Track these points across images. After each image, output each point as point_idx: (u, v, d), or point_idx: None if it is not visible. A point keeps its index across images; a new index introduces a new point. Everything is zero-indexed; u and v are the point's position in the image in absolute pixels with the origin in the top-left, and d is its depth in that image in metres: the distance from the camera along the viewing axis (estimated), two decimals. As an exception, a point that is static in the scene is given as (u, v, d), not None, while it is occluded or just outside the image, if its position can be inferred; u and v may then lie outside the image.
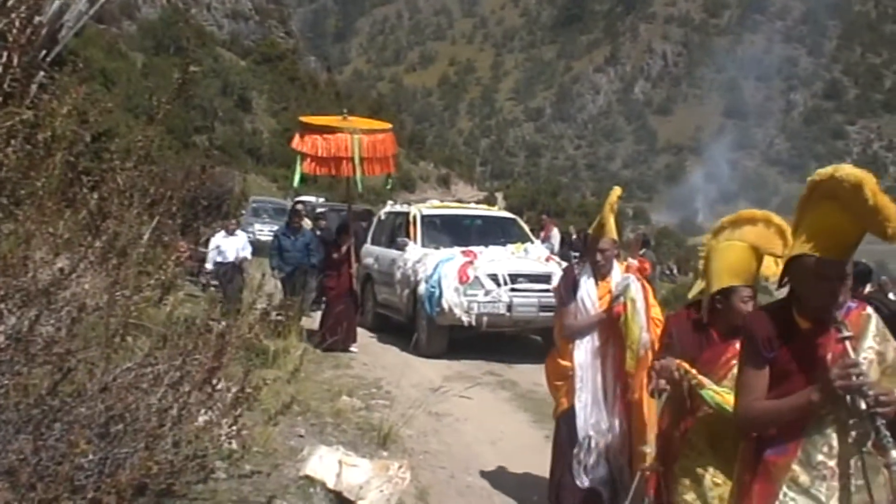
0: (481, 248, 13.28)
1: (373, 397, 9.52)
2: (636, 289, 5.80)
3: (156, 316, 3.80)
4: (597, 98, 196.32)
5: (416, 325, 12.91)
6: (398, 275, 13.63)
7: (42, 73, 5.06)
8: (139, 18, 66.66)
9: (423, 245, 13.68)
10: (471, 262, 12.66)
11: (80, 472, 3.01)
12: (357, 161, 11.72)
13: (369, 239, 15.85)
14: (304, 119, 13.17)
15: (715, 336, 4.24)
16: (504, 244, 13.65)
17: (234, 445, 4.33)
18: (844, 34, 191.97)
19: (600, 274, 5.98)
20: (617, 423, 5.93)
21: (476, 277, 12.47)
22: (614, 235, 5.92)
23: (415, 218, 14.35)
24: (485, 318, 12.26)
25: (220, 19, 79.63)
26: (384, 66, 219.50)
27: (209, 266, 13.87)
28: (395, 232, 14.84)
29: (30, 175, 3.11)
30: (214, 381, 3.65)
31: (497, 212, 16.47)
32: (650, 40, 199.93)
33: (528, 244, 14.01)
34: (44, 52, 6.15)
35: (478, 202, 31.68)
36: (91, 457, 3.01)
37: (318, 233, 15.84)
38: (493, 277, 12.51)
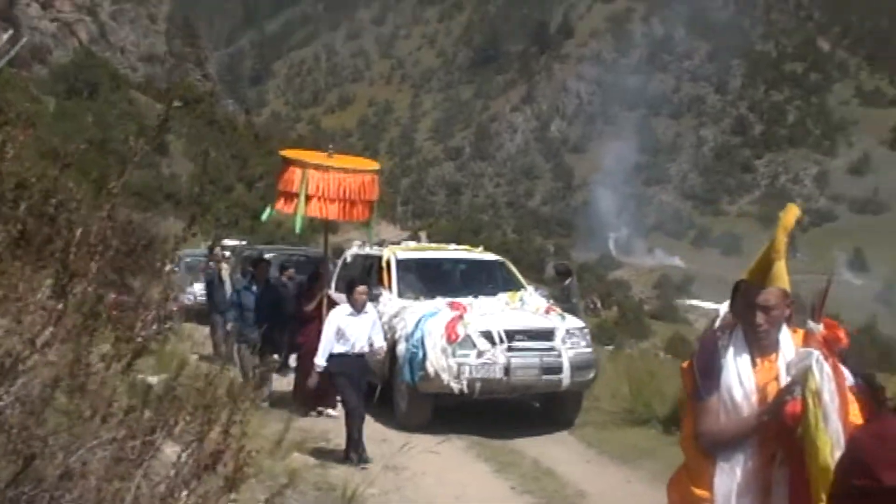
0: (470, 298, 11.32)
1: (324, 452, 9.10)
2: (823, 375, 3.31)
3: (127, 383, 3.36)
4: (514, 136, 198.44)
5: (394, 391, 10.99)
6: None
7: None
8: (51, 62, 65.17)
9: (400, 295, 11.71)
10: (460, 317, 10.66)
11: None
12: (303, 199, 10.54)
13: (332, 286, 13.13)
14: (290, 153, 11.74)
15: None
16: (494, 293, 11.77)
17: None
18: (748, 72, 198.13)
19: (760, 347, 3.46)
20: None
21: (467, 335, 10.42)
22: (786, 284, 3.41)
23: (389, 263, 12.30)
24: (478, 384, 10.20)
25: (135, 62, 78.34)
26: (302, 107, 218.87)
27: (320, 361, 9.09)
28: (365, 278, 13.05)
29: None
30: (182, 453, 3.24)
31: (482, 254, 13.91)
32: (564, 80, 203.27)
33: (522, 292, 11.93)
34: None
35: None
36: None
37: (285, 282, 14.77)
38: (487, 335, 10.48)
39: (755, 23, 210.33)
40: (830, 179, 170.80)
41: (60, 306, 2.88)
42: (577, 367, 10.52)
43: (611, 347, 29.37)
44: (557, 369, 10.39)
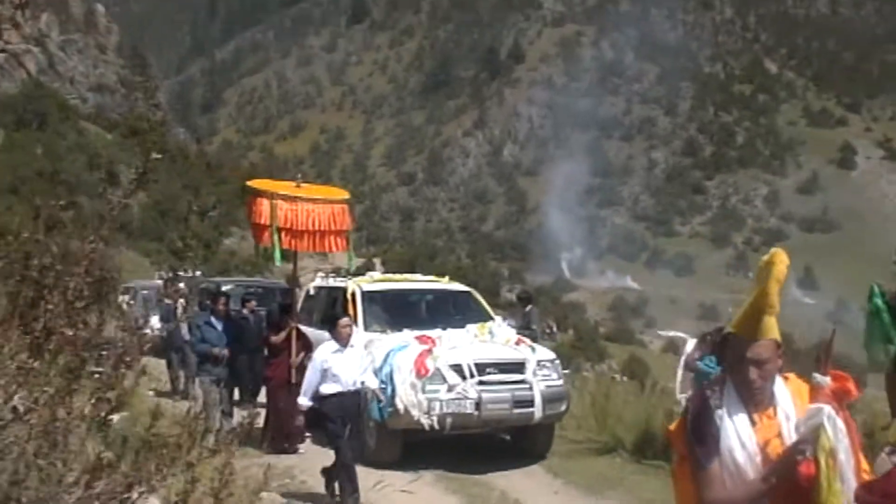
0: (438, 331, 11.00)
1: (289, 489, 8.96)
2: (837, 431, 3.08)
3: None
4: (467, 161, 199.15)
5: (362, 427, 10.52)
6: None
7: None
8: (-2, 93, 64.21)
9: (366, 328, 11.30)
10: (429, 351, 10.36)
11: None
12: (275, 230, 10.42)
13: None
14: (256, 184, 11.45)
15: None
16: (462, 324, 11.44)
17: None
18: (697, 94, 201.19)
19: (755, 403, 3.21)
20: None
21: (437, 369, 10.12)
22: (777, 335, 3.20)
23: (354, 295, 11.93)
24: (449, 420, 9.89)
25: (85, 93, 77.47)
26: (254, 135, 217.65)
27: (303, 401, 8.70)
28: (330, 311, 12.35)
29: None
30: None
31: (448, 284, 13.65)
32: (516, 104, 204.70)
33: (491, 323, 11.68)
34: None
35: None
36: None
37: (246, 314, 14.35)
38: (457, 369, 10.22)
39: (703, 45, 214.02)
40: (780, 199, 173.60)
41: (37, 364, 2.82)
42: (548, 400, 10.35)
43: (567, 371, 29.41)
44: (529, 402, 10.20)
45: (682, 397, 10.47)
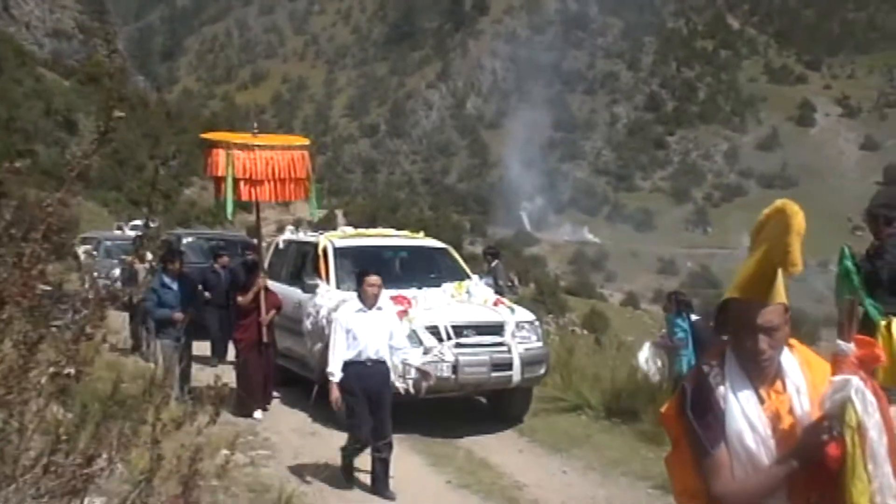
0: (414, 290, 10.53)
1: (252, 447, 8.81)
2: (866, 405, 2.64)
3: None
4: (430, 114, 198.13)
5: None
6: (307, 324, 10.69)
7: None
8: (-49, 38, 62.54)
9: (339, 285, 10.77)
10: (404, 312, 9.76)
11: None
12: (230, 181, 9.98)
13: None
14: (212, 136, 10.98)
15: None
16: (438, 283, 10.98)
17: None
18: (660, 49, 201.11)
19: (762, 377, 2.78)
20: None
21: (412, 331, 9.53)
22: (784, 298, 2.77)
23: (325, 251, 11.42)
24: (424, 384, 9.09)
25: (41, 38, 75.69)
26: (215, 84, 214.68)
27: (335, 370, 7.65)
28: (299, 267, 12.12)
29: None
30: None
31: (424, 240, 12.95)
32: (479, 56, 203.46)
33: (468, 283, 11.17)
34: None
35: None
36: None
37: (217, 269, 14.17)
38: (434, 331, 9.75)
39: (667, 0, 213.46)
40: (740, 155, 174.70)
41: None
42: (527, 363, 9.95)
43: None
44: (507, 366, 9.80)
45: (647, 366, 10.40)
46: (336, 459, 7.91)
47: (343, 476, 7.83)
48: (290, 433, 9.66)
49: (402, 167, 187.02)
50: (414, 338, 9.50)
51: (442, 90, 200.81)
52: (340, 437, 8.31)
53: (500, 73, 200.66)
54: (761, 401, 2.75)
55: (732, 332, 2.77)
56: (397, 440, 9.08)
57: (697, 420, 2.76)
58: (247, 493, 6.82)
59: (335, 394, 7.56)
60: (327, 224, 47.61)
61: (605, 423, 10.37)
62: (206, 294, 13.80)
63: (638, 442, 9.69)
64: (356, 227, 14.55)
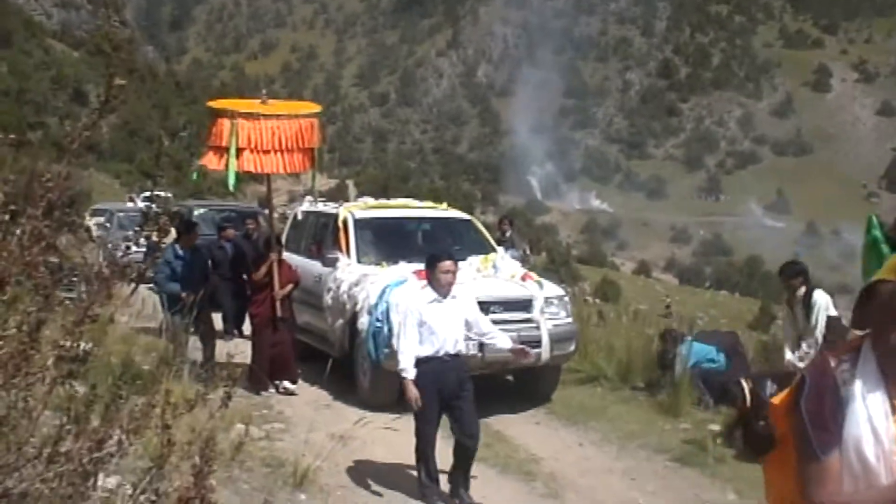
0: None
1: (266, 420, 8.76)
2: None
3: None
4: (440, 82, 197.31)
5: (355, 367, 9.97)
6: (328, 299, 10.39)
7: None
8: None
9: (359, 260, 10.46)
10: None
11: None
12: (233, 151, 9.51)
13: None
14: (218, 104, 10.41)
15: None
16: (463, 256, 10.00)
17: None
18: (674, 15, 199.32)
19: None
20: None
21: None
22: None
23: (346, 222, 10.98)
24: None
25: (49, 8, 75.51)
26: (224, 54, 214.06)
27: (408, 367, 6.80)
28: (319, 239, 11.67)
29: None
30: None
31: (447, 212, 12.37)
32: (490, 23, 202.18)
33: (494, 256, 10.70)
34: None
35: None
36: None
37: (223, 244, 13.67)
38: None
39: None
40: (754, 122, 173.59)
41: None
42: (556, 340, 9.56)
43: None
44: (536, 343, 9.26)
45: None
46: (352, 432, 7.79)
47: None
48: (305, 406, 9.57)
49: (412, 136, 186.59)
50: None
51: (452, 58, 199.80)
52: (354, 413, 8.24)
53: (510, 40, 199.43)
54: (894, 410, 2.34)
55: (878, 323, 2.36)
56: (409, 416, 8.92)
57: (811, 418, 2.37)
58: (262, 467, 6.76)
59: (413, 392, 6.74)
60: (338, 195, 47.48)
61: (622, 395, 10.28)
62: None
63: (655, 414, 9.61)
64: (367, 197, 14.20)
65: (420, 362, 6.76)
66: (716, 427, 8.78)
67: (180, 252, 10.61)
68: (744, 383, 8.38)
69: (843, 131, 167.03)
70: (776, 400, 2.58)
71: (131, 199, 30.87)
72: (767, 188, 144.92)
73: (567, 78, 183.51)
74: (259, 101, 10.21)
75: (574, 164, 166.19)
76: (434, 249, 7.95)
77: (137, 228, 16.02)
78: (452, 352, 6.88)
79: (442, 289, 6.92)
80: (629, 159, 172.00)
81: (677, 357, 9.98)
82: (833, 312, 8.43)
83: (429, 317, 6.81)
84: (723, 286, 67.50)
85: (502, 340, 7.24)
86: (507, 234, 15.38)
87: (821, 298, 8.39)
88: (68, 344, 2.45)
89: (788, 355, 8.60)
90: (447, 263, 6.96)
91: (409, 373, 6.72)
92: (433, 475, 6.94)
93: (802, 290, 8.50)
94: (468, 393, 6.95)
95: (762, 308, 36.22)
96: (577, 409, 9.64)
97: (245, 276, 11.27)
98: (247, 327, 12.58)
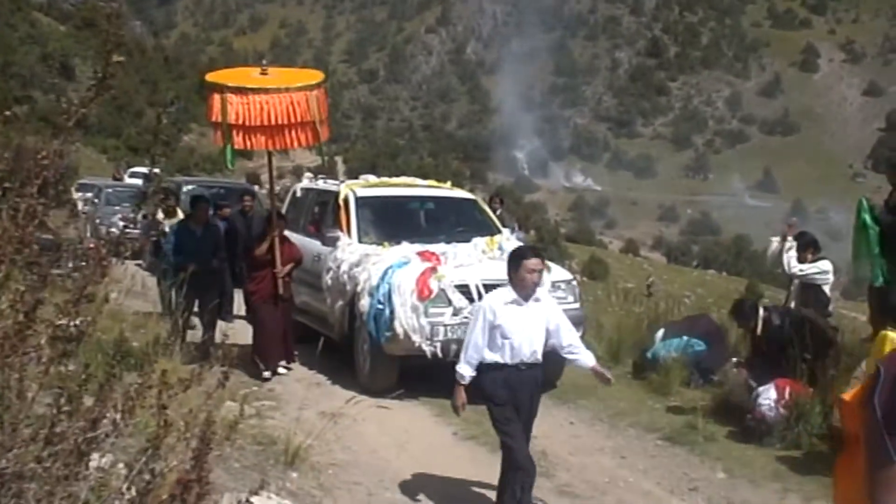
0: (442, 245, 9.80)
1: (257, 397, 8.72)
2: None
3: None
4: (430, 59, 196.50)
5: (355, 350, 9.72)
6: (327, 279, 10.17)
7: None
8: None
9: (360, 239, 10.21)
10: (433, 269, 9.16)
11: None
12: (226, 128, 9.16)
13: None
14: (213, 77, 9.94)
15: None
16: (467, 237, 10.09)
17: None
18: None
19: None
20: None
21: (441, 290, 8.97)
22: None
23: (346, 200, 10.70)
24: (453, 347, 8.44)
25: (35, -19, 74.76)
26: (213, 29, 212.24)
27: (465, 370, 6.01)
28: (318, 217, 11.44)
29: None
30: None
31: (451, 191, 12.12)
32: (480, 0, 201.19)
33: (499, 237, 10.29)
34: None
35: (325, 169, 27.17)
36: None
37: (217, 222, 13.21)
38: (464, 290, 9.01)
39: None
40: (742, 101, 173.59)
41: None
42: None
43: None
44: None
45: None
46: (343, 410, 7.73)
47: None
48: (295, 384, 9.57)
49: (401, 113, 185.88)
50: (442, 297, 8.99)
51: (442, 35, 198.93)
52: (345, 393, 8.20)
53: (500, 18, 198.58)
54: None
55: None
56: (408, 396, 8.83)
57: (885, 417, 2.10)
58: (253, 445, 6.75)
59: (461, 398, 6.02)
60: (327, 172, 47.34)
61: (612, 374, 10.29)
62: None
63: (645, 393, 9.67)
64: (356, 174, 14.00)
65: (490, 368, 5.94)
66: (706, 405, 8.82)
67: (192, 226, 10.79)
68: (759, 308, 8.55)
69: (829, 111, 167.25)
70: (847, 395, 2.39)
71: (116, 177, 30.33)
72: (755, 167, 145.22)
73: (556, 56, 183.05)
74: (259, 70, 9.82)
75: (563, 142, 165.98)
76: (518, 247, 7.26)
77: (136, 207, 15.87)
78: (528, 359, 5.99)
79: (526, 289, 5.99)
80: (617, 138, 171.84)
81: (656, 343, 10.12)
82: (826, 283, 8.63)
83: (506, 321, 5.93)
84: (710, 265, 67.75)
85: (586, 357, 6.38)
86: (498, 212, 15.39)
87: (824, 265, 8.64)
88: (64, 323, 2.42)
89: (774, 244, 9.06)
90: (533, 261, 6.00)
91: (464, 378, 5.97)
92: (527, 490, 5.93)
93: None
94: (536, 411, 6.25)
95: (749, 287, 36.31)
96: (568, 387, 9.64)
97: (241, 254, 11.20)
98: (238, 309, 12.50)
